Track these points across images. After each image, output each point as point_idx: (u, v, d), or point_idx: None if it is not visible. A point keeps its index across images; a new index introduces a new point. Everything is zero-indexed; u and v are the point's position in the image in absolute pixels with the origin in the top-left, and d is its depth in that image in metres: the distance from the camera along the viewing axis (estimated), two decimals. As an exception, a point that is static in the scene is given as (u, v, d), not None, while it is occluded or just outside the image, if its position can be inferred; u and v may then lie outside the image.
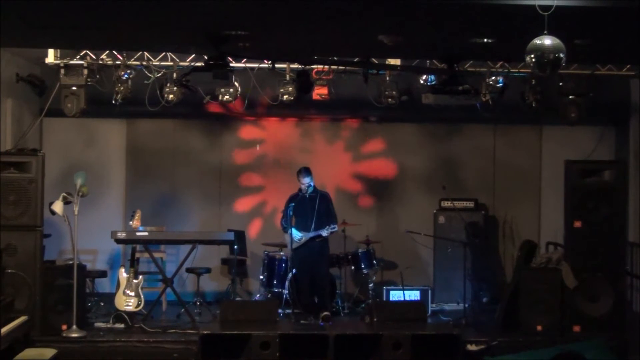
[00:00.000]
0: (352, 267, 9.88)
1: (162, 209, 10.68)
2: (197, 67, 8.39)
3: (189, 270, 9.84)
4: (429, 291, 9.86)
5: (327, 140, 11.07)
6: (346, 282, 10.08)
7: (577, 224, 8.71)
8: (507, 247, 10.97)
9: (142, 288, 8.75)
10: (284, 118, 10.93)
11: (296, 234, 9.39)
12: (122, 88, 9.09)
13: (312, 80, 9.20)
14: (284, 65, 9.06)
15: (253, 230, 10.83)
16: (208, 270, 10.05)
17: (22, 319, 7.26)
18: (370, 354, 8.28)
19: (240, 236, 10.03)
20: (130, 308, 8.67)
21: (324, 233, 9.37)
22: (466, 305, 9.43)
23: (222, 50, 7.44)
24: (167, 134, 10.90)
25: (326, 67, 9.11)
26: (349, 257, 9.83)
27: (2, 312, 6.79)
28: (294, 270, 9.42)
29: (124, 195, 10.87)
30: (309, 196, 9.48)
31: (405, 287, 9.79)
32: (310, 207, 9.45)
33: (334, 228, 9.40)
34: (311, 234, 9.41)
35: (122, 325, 8.63)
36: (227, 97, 9.06)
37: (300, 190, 9.53)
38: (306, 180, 9.42)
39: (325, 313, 8.94)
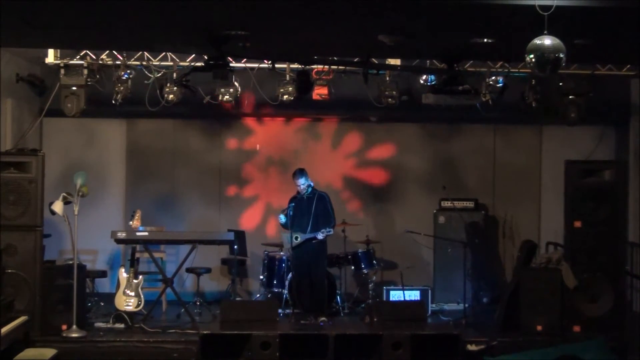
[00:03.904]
0: (352, 267, 9.88)
1: (162, 209, 10.69)
2: (197, 67, 8.39)
3: (189, 270, 9.85)
4: (429, 291, 9.85)
5: (327, 140, 11.07)
6: (346, 282, 10.08)
7: (577, 224, 8.71)
8: (507, 247, 10.97)
9: (142, 288, 8.76)
10: (283, 118, 10.93)
11: (287, 239, 9.39)
12: (122, 88, 9.09)
13: (312, 80, 9.20)
14: (284, 65, 9.06)
15: (253, 230, 10.82)
16: (208, 270, 10.06)
17: (22, 319, 7.27)
18: (370, 354, 8.28)
19: (240, 236, 10.03)
20: (130, 308, 8.67)
21: (320, 236, 9.36)
22: (466, 305, 9.44)
23: (222, 50, 7.44)
24: (167, 134, 10.90)
25: (326, 67, 9.11)
26: (349, 257, 9.83)
27: (2, 312, 6.79)
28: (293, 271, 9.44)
29: (124, 195, 10.87)
30: (306, 197, 9.49)
31: (405, 287, 9.78)
32: (307, 208, 9.45)
33: (329, 231, 9.39)
34: (307, 236, 9.40)
35: (122, 325, 8.63)
36: (227, 97, 9.06)
37: (298, 191, 9.53)
38: (300, 182, 9.43)
39: (322, 319, 8.96)
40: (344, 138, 11.09)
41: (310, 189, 9.50)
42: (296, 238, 9.40)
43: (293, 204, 9.47)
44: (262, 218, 10.93)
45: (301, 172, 9.48)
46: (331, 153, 11.05)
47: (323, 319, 8.97)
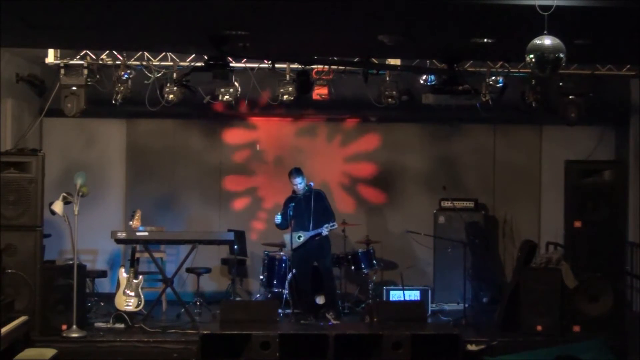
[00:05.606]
0: (352, 267, 9.87)
1: (162, 209, 10.69)
2: (197, 67, 8.41)
3: (189, 270, 9.85)
4: (429, 291, 9.85)
5: (327, 140, 11.07)
6: (346, 282, 10.08)
7: (577, 224, 8.71)
8: (507, 247, 10.97)
9: (142, 288, 8.76)
10: (284, 118, 10.92)
11: (288, 239, 9.39)
12: (122, 88, 9.09)
13: (312, 80, 9.20)
14: (284, 65, 9.06)
15: (253, 230, 10.82)
16: (208, 270, 10.06)
17: (22, 319, 7.28)
18: (370, 354, 8.27)
19: (240, 236, 10.03)
20: (130, 308, 8.67)
21: (324, 232, 9.36)
22: (466, 305, 9.43)
23: (222, 50, 7.44)
24: (167, 134, 10.90)
25: (326, 67, 9.11)
26: (349, 257, 9.83)
27: (2, 312, 6.80)
28: (293, 271, 9.43)
29: (124, 195, 10.87)
30: (303, 196, 9.48)
31: (405, 287, 9.79)
32: (306, 207, 9.42)
33: (333, 225, 9.39)
34: (311, 233, 9.40)
35: (122, 325, 8.63)
36: (227, 97, 9.07)
37: (294, 191, 9.52)
38: (297, 181, 9.41)
39: (330, 314, 8.97)
40: (344, 138, 11.09)
41: (306, 188, 9.49)
42: (299, 237, 9.40)
43: (293, 204, 9.45)
44: (262, 218, 10.92)
45: (298, 172, 9.47)
46: (331, 153, 11.05)
47: (331, 314, 8.97)
